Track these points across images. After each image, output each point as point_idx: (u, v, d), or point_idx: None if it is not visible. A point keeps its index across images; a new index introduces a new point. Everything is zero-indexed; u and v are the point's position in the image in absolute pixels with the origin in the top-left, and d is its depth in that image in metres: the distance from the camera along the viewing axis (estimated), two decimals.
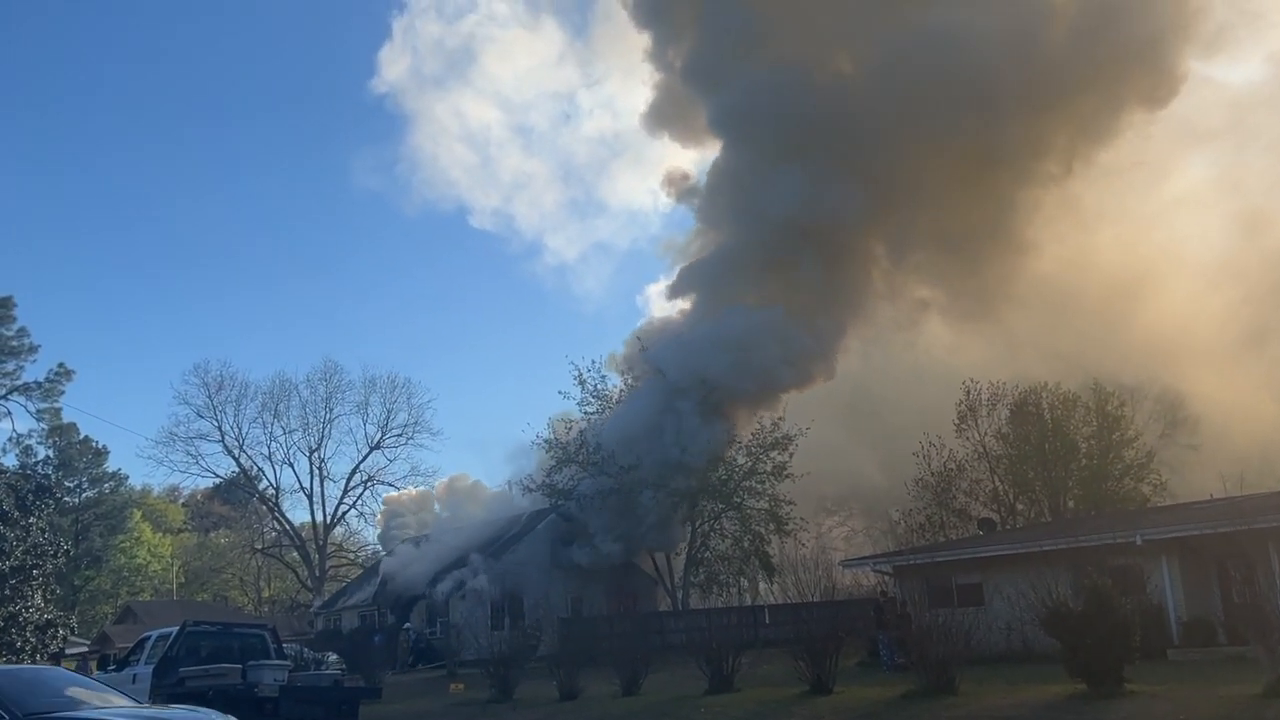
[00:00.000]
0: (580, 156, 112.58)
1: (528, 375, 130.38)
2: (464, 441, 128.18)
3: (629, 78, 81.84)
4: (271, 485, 70.37)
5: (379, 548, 68.64)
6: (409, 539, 55.43)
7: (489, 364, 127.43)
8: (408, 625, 44.62)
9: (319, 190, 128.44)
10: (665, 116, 47.69)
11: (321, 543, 70.75)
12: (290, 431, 68.87)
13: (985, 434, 37.58)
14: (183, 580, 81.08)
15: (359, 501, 70.96)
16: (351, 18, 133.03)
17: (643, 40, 47.58)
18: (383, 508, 69.75)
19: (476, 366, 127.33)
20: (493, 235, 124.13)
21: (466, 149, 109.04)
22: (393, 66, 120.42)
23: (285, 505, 71.85)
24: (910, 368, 44.56)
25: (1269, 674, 13.82)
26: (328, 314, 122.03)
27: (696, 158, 49.66)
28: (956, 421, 37.73)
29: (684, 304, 45.50)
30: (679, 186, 49.14)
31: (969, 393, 37.83)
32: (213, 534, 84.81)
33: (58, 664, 30.56)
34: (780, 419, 41.38)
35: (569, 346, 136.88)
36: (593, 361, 44.89)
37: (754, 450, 41.61)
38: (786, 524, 40.77)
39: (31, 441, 67.64)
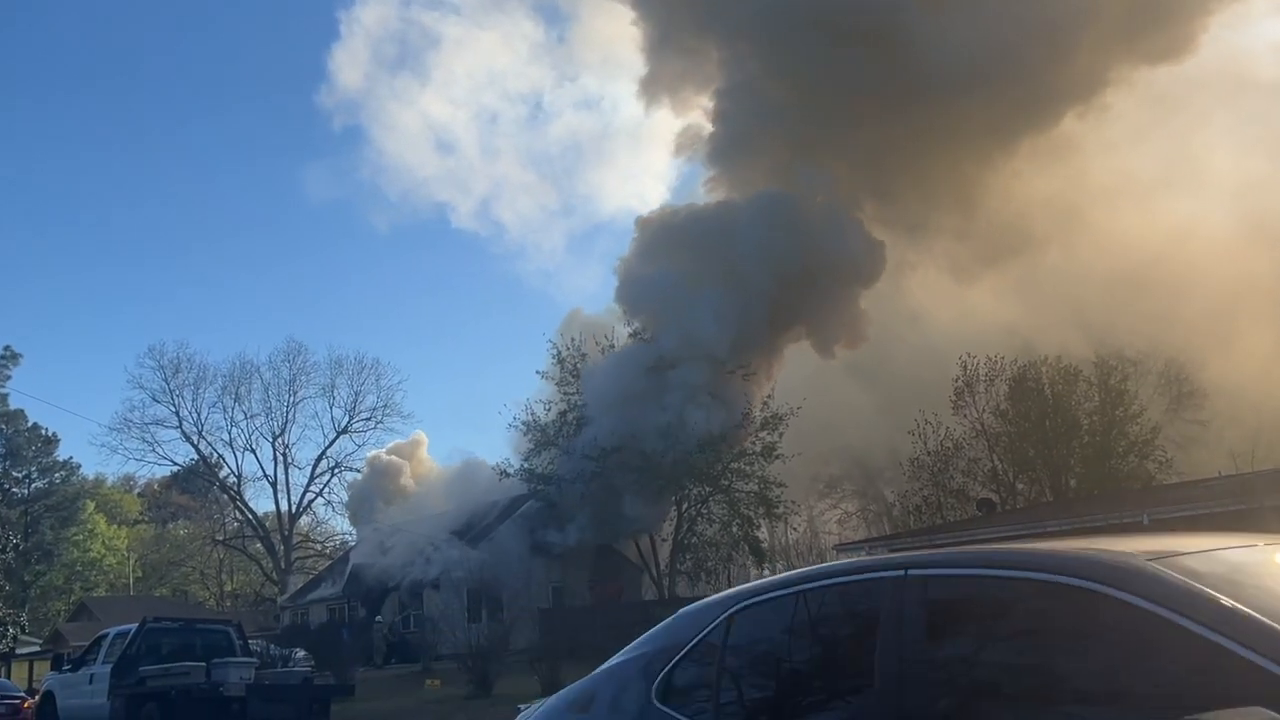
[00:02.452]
0: (560, 154, 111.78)
1: (516, 367, 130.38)
2: (455, 426, 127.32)
3: (607, 70, 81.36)
4: (233, 473, 70.03)
5: (349, 536, 68.34)
6: (379, 527, 55.29)
7: (475, 356, 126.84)
8: (379, 619, 44.62)
9: (289, 184, 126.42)
10: (661, 86, 47.99)
11: (287, 533, 70.42)
12: (252, 416, 68.45)
13: (983, 411, 37.68)
14: (140, 574, 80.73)
15: (326, 489, 70.77)
16: (301, 16, 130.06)
17: (626, 29, 47.93)
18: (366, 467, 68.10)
19: (462, 358, 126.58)
20: (475, 235, 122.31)
21: (436, 151, 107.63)
22: (348, 69, 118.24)
23: (248, 494, 71.35)
24: (909, 340, 44.62)
25: None
26: (296, 306, 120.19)
27: (687, 124, 49.45)
28: (953, 398, 37.78)
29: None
30: (689, 143, 49.22)
31: (965, 367, 37.83)
32: (171, 525, 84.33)
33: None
34: (769, 397, 41.40)
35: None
36: (571, 339, 44.16)
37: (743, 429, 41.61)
38: (777, 507, 40.89)
39: None
